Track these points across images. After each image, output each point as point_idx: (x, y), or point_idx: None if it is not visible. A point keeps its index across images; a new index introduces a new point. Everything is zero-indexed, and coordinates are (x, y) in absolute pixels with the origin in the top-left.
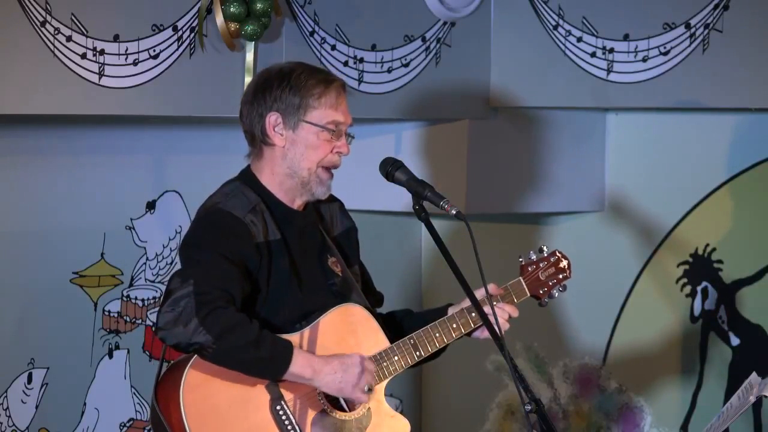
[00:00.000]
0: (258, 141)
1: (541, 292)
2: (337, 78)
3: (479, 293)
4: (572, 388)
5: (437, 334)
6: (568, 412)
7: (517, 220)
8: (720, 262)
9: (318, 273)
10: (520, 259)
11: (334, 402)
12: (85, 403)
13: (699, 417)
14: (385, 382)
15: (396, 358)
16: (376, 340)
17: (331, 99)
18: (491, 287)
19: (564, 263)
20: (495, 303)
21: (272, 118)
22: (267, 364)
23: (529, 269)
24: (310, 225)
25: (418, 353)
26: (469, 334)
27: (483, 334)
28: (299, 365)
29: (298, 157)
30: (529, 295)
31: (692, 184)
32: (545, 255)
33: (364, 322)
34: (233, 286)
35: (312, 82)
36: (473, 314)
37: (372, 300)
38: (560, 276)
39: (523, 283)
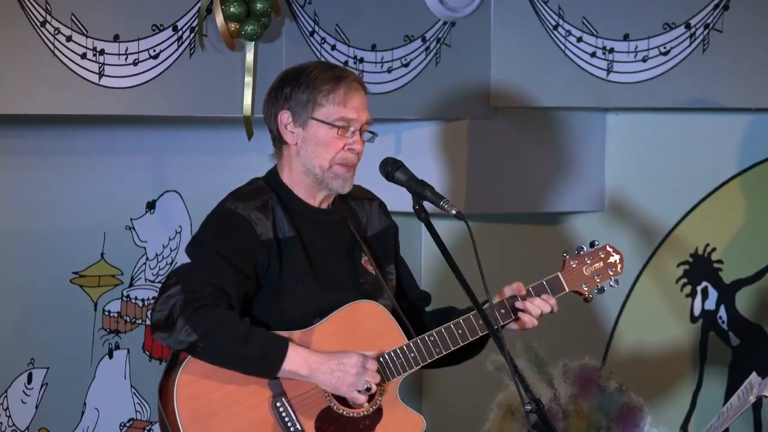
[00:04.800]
0: (276, 140)
1: (583, 287)
2: (351, 74)
3: (512, 289)
4: (572, 388)
5: (460, 331)
6: (568, 412)
7: (517, 220)
8: (720, 262)
9: (345, 270)
10: (565, 254)
11: (342, 399)
12: (85, 403)
13: (699, 417)
14: (399, 379)
15: (413, 355)
16: (392, 338)
17: (339, 95)
18: (516, 286)
19: (614, 258)
20: (527, 299)
21: (284, 117)
22: (258, 362)
23: (572, 264)
24: (336, 223)
25: (437, 350)
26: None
27: (514, 324)
28: (294, 363)
29: (310, 155)
30: (567, 290)
31: (692, 184)
32: (594, 249)
33: (380, 320)
34: (226, 283)
35: (322, 80)
36: (503, 311)
37: (412, 299)
38: (609, 271)
39: (562, 279)
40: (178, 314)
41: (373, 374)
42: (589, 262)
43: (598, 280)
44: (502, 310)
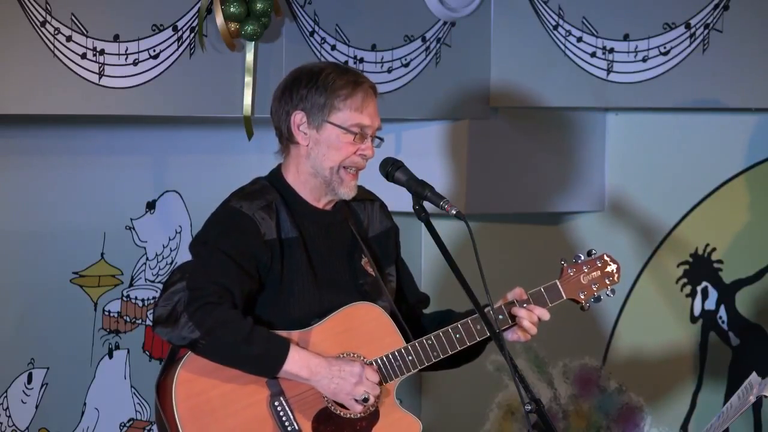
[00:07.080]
0: (284, 139)
1: (581, 295)
2: (366, 80)
3: (514, 294)
4: (572, 388)
5: (458, 335)
6: (568, 412)
7: (517, 220)
8: (720, 262)
9: (345, 272)
10: (563, 262)
11: None
12: (85, 403)
13: (699, 417)
14: (397, 382)
15: (411, 358)
16: (391, 340)
17: (357, 101)
18: (517, 291)
19: (611, 267)
20: (525, 305)
21: (297, 117)
22: (259, 362)
23: (570, 272)
24: (337, 224)
25: (435, 354)
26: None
27: (511, 336)
28: (295, 364)
29: (321, 157)
30: (565, 298)
31: (692, 183)
32: (591, 258)
33: (378, 322)
34: (230, 282)
35: (339, 83)
36: (501, 317)
37: (412, 301)
38: (606, 281)
39: (559, 286)
40: (182, 310)
41: (372, 386)
42: (586, 270)
43: (595, 289)
44: (500, 316)
